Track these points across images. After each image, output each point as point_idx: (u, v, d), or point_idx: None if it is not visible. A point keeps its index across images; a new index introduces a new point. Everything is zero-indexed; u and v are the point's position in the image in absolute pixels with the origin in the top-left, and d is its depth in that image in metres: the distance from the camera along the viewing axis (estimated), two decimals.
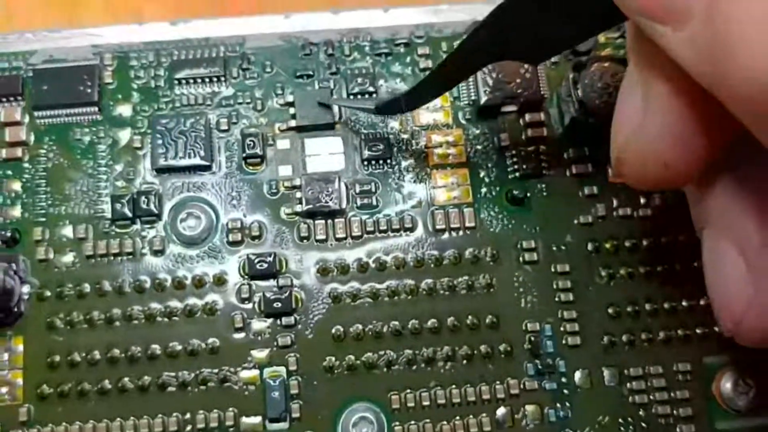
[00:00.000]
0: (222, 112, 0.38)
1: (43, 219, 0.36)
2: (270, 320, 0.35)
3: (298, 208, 0.36)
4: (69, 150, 0.37)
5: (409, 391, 0.35)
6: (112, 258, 0.36)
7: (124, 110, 0.38)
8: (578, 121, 0.36)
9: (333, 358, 0.35)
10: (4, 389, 0.34)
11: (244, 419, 0.34)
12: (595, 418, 0.35)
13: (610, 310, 0.36)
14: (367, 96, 0.38)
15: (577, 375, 0.35)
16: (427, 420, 0.34)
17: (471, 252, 0.36)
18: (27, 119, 0.38)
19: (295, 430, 0.34)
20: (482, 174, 0.37)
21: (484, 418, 0.34)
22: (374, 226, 0.36)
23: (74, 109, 0.38)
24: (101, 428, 0.34)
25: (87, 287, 0.35)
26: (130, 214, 0.36)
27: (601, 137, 0.33)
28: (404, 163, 0.37)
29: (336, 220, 0.36)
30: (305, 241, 0.36)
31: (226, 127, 0.38)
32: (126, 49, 0.39)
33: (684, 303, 0.36)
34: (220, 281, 0.36)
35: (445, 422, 0.34)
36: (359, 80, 0.38)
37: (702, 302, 0.36)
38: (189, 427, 0.34)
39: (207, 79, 0.38)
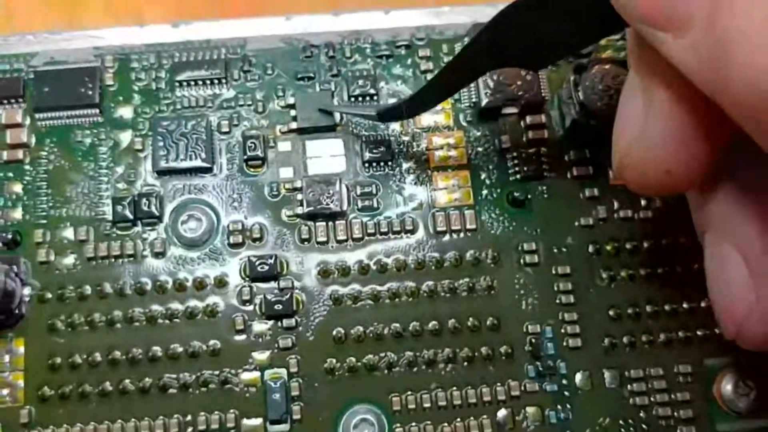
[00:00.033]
0: (223, 114, 0.38)
1: (44, 221, 0.36)
2: (271, 322, 0.35)
3: (299, 210, 0.36)
4: (70, 152, 0.37)
5: (409, 392, 0.35)
6: (113, 260, 0.36)
7: (125, 112, 0.38)
8: (579, 123, 0.36)
9: (334, 360, 0.35)
10: (5, 391, 0.34)
11: (245, 421, 0.34)
12: (596, 419, 0.35)
13: (610, 312, 0.36)
14: (367, 98, 0.38)
15: (578, 377, 0.35)
16: (428, 422, 0.34)
17: (472, 254, 0.36)
18: (28, 121, 0.38)
19: (296, 431, 0.34)
20: (483, 176, 0.37)
21: (484, 420, 0.34)
22: (375, 228, 0.36)
23: (75, 111, 0.38)
24: (102, 430, 0.34)
25: (88, 289, 0.35)
26: (131, 216, 0.36)
27: (602, 139, 0.33)
28: (405, 165, 0.37)
29: (337, 222, 0.36)
30: (306, 243, 0.36)
31: (227, 129, 0.38)
32: (127, 51, 0.39)
33: (685, 305, 0.36)
34: (221, 283, 0.36)
35: (446, 424, 0.34)
36: (360, 82, 0.38)
37: (703, 304, 0.36)
38: (190, 429, 0.34)
39: (208, 81, 0.38)
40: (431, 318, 0.35)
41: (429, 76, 0.38)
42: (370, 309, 0.36)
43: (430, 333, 0.35)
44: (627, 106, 0.27)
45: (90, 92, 0.38)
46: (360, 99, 0.38)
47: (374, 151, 0.37)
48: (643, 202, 0.37)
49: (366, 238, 0.36)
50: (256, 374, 0.35)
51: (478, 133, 0.38)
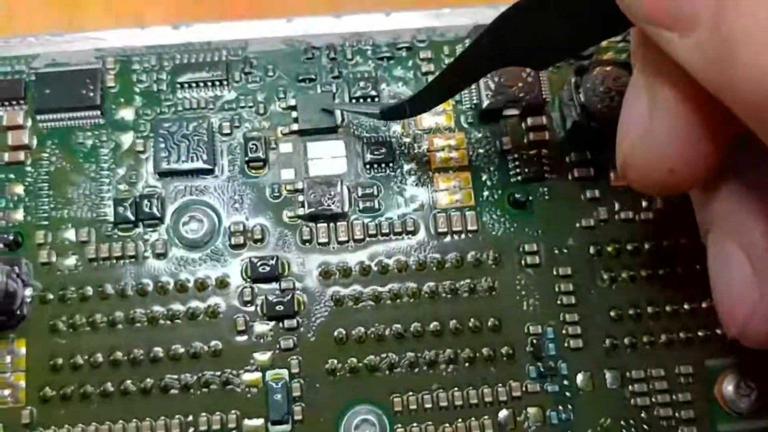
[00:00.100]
0: (224, 115, 0.38)
1: (46, 222, 0.36)
2: (272, 323, 0.35)
3: (301, 212, 0.36)
4: (71, 153, 0.37)
5: (411, 393, 0.35)
6: (114, 261, 0.36)
7: (127, 114, 0.38)
8: (580, 125, 0.36)
9: (335, 361, 0.35)
10: (7, 392, 0.34)
11: (247, 422, 0.34)
12: (597, 420, 0.35)
13: (612, 313, 0.36)
14: (369, 100, 0.38)
15: (579, 377, 0.35)
16: (429, 422, 0.34)
17: (473, 255, 0.36)
18: (29, 123, 0.38)
19: None
20: (484, 177, 0.37)
21: (486, 421, 0.34)
22: (376, 230, 0.37)
23: (77, 113, 0.38)
24: (104, 430, 0.34)
25: (89, 290, 0.35)
26: (132, 218, 0.36)
27: (603, 141, 0.33)
28: (406, 167, 0.37)
29: (338, 224, 0.37)
30: (307, 244, 0.36)
31: (229, 131, 0.38)
32: (128, 52, 0.39)
33: (686, 306, 0.36)
34: (222, 284, 0.36)
35: (447, 425, 0.34)
36: (361, 84, 0.38)
37: (704, 305, 0.36)
38: (191, 430, 0.34)
39: (209, 83, 0.38)
40: (432, 319, 0.35)
41: (430, 78, 0.38)
42: (371, 310, 0.36)
43: (432, 334, 0.35)
44: (631, 105, 0.27)
45: (91, 94, 0.38)
46: (361, 101, 0.38)
47: (375, 152, 0.37)
48: (644, 204, 0.37)
49: (367, 239, 0.36)
50: (258, 375, 0.35)
51: (479, 135, 0.38)
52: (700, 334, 0.36)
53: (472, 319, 0.35)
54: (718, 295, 0.29)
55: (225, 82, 0.38)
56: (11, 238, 0.36)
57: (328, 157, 0.37)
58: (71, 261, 0.36)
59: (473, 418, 0.35)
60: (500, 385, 0.35)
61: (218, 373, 0.35)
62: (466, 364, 0.35)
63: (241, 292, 0.36)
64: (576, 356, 0.35)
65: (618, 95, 0.35)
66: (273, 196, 0.37)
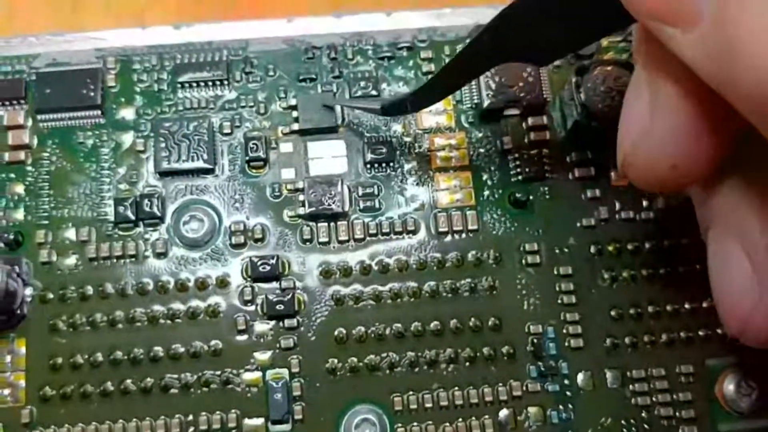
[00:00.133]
0: (225, 115, 0.38)
1: (46, 222, 0.36)
2: (273, 322, 0.35)
3: (301, 211, 0.36)
4: (72, 153, 0.37)
5: (411, 393, 0.35)
6: (114, 260, 0.36)
7: (127, 113, 0.38)
8: (581, 125, 0.36)
9: (335, 360, 0.35)
10: (7, 391, 0.34)
11: (247, 421, 0.34)
12: (598, 420, 0.35)
13: (612, 313, 0.36)
14: (369, 99, 0.38)
15: (580, 377, 0.35)
16: (430, 422, 0.34)
17: (474, 255, 0.36)
18: (30, 122, 0.38)
19: (297, 431, 0.34)
20: (485, 177, 0.37)
21: (486, 420, 0.34)
22: (377, 229, 0.37)
23: (77, 113, 0.38)
24: (104, 430, 0.34)
25: (90, 290, 0.35)
26: (132, 217, 0.36)
27: (603, 141, 0.33)
28: (407, 166, 0.37)
29: (339, 223, 0.37)
30: (308, 243, 0.36)
31: (229, 131, 0.38)
32: (129, 52, 0.39)
33: (686, 305, 0.36)
34: (222, 283, 0.36)
35: (447, 424, 0.34)
36: (362, 84, 0.38)
37: (705, 304, 0.36)
38: (191, 429, 0.34)
39: (210, 83, 0.38)
40: (433, 318, 0.35)
41: (432, 76, 0.38)
42: (371, 309, 0.36)
43: (432, 333, 0.35)
44: (632, 104, 0.27)
45: (92, 94, 0.38)
46: (362, 100, 0.38)
47: (376, 152, 0.37)
48: (644, 203, 0.37)
49: (368, 238, 0.36)
50: (258, 374, 0.35)
51: (480, 135, 0.38)
52: (700, 333, 0.36)
53: (472, 319, 0.35)
54: (718, 294, 0.29)
55: (226, 82, 0.38)
56: (11, 237, 0.36)
57: (329, 157, 0.37)
58: (71, 260, 0.36)
59: (474, 418, 0.34)
60: (501, 384, 0.35)
61: (218, 372, 0.35)
62: (467, 364, 0.35)
63: (242, 291, 0.36)
64: (576, 356, 0.35)
65: (619, 95, 0.35)
66: (273, 196, 0.37)
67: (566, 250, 0.36)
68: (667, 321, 0.36)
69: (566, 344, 0.35)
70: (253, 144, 0.37)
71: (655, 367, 0.35)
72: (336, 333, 0.35)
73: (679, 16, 0.22)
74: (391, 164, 0.37)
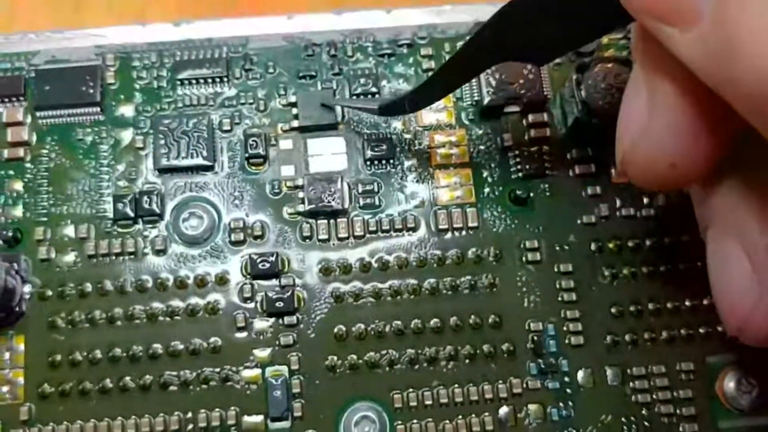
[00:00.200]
0: (225, 112, 0.38)
1: (45, 219, 0.36)
2: (272, 319, 0.35)
3: (301, 208, 0.36)
4: (71, 150, 0.37)
5: (411, 390, 0.35)
6: (113, 257, 0.36)
7: (127, 111, 0.38)
8: (581, 122, 0.36)
9: (335, 358, 0.35)
10: (6, 388, 0.34)
11: (246, 418, 0.34)
12: (598, 417, 0.35)
13: (613, 310, 0.36)
14: (369, 97, 0.38)
15: (580, 374, 0.35)
16: (430, 419, 0.34)
17: (474, 252, 0.36)
18: (29, 119, 0.38)
19: (297, 429, 0.34)
20: (485, 174, 0.37)
21: (486, 418, 0.34)
22: (377, 226, 0.36)
23: (76, 110, 0.38)
24: (102, 427, 0.34)
25: (89, 287, 0.35)
26: (132, 214, 0.36)
27: (604, 138, 0.33)
28: (407, 163, 0.37)
29: (338, 220, 0.36)
30: (308, 240, 0.36)
31: (229, 128, 0.38)
32: (129, 49, 0.39)
33: (687, 303, 0.36)
34: (222, 281, 0.36)
35: (447, 421, 0.34)
36: (362, 81, 0.38)
37: (705, 302, 0.36)
38: (191, 426, 0.34)
39: (210, 80, 0.38)
40: (433, 315, 0.35)
41: (430, 75, 0.38)
42: (371, 306, 0.36)
43: (432, 330, 0.35)
44: (631, 102, 0.27)
45: (91, 90, 0.38)
46: (362, 97, 0.38)
47: (376, 149, 0.37)
48: (645, 200, 0.37)
49: (367, 235, 0.36)
50: (257, 371, 0.35)
51: (480, 132, 0.38)
52: (701, 330, 0.36)
53: (472, 316, 0.35)
54: (717, 293, 0.29)
55: (225, 79, 0.38)
56: (10, 234, 0.36)
57: (329, 154, 0.37)
58: (70, 257, 0.36)
59: (474, 415, 0.34)
60: (501, 381, 0.35)
61: (218, 369, 0.35)
62: (467, 361, 0.35)
63: (241, 288, 0.36)
64: (577, 353, 0.35)
65: (619, 92, 0.35)
66: (273, 193, 0.37)
67: (567, 247, 0.36)
68: (667, 318, 0.36)
69: (566, 341, 0.35)
70: (253, 141, 0.37)
71: (655, 364, 0.35)
72: (336, 330, 0.35)
73: (677, 15, 0.22)
74: (391, 161, 0.37)
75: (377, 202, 0.37)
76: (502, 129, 0.38)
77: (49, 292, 0.35)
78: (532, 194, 0.37)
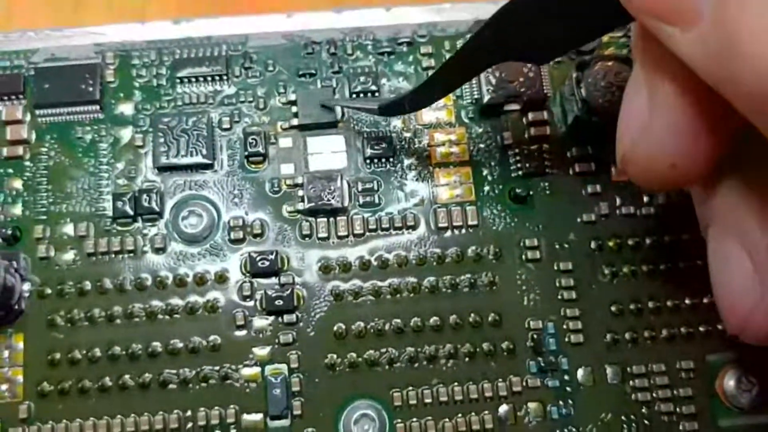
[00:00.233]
0: (224, 110, 0.38)
1: (44, 217, 0.36)
2: (271, 318, 0.35)
3: (300, 206, 0.36)
4: (70, 148, 0.37)
5: (411, 388, 0.35)
6: (113, 256, 0.36)
7: (126, 109, 0.38)
8: (581, 120, 0.36)
9: (335, 356, 0.35)
10: (5, 386, 0.34)
11: (246, 416, 0.34)
12: (598, 415, 0.35)
13: (612, 308, 0.36)
14: (369, 95, 0.38)
15: (580, 372, 0.35)
16: (429, 417, 0.34)
17: (473, 250, 0.36)
18: (28, 117, 0.38)
19: (296, 427, 0.34)
20: (485, 172, 0.37)
21: (486, 416, 0.34)
22: (376, 224, 0.36)
23: (76, 108, 0.38)
24: (102, 425, 0.34)
25: (88, 285, 0.35)
26: (131, 212, 0.36)
27: (604, 136, 0.33)
28: (407, 162, 0.37)
29: (338, 218, 0.36)
30: (307, 239, 0.36)
31: (228, 126, 0.38)
32: (128, 47, 0.39)
33: (687, 301, 0.36)
34: (221, 279, 0.36)
35: (447, 419, 0.34)
36: (362, 79, 0.38)
37: (705, 300, 0.36)
38: (190, 425, 0.34)
39: (209, 78, 0.38)
40: (432, 314, 0.35)
41: (431, 73, 0.38)
42: (371, 305, 0.36)
43: (432, 329, 0.35)
44: (631, 101, 0.27)
45: (91, 89, 0.38)
46: (361, 96, 0.38)
47: (376, 147, 0.37)
48: (645, 199, 0.37)
49: (367, 234, 0.36)
50: (257, 370, 0.35)
51: (480, 130, 0.38)
52: (701, 329, 0.36)
53: (472, 314, 0.35)
54: (718, 292, 0.29)
55: (225, 77, 0.38)
56: (9, 232, 0.36)
57: (328, 152, 0.37)
58: (69, 255, 0.36)
59: (473, 413, 0.34)
60: (500, 380, 0.35)
61: (217, 367, 0.35)
62: (466, 359, 0.35)
63: (241, 286, 0.36)
64: (577, 351, 0.35)
65: (619, 90, 0.35)
66: (272, 191, 0.37)
67: (566, 245, 0.36)
68: (667, 316, 0.36)
69: (566, 340, 0.35)
70: (253, 139, 0.37)
71: (655, 362, 0.35)
72: (335, 328, 0.35)
73: (678, 15, 0.22)
74: (391, 160, 0.37)
75: (377, 201, 0.37)
76: (502, 127, 0.38)
77: (49, 291, 0.35)
78: (531, 192, 0.37)
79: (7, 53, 0.39)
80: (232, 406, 0.34)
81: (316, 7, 0.40)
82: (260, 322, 0.35)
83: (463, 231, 0.37)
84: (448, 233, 0.37)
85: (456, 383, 0.35)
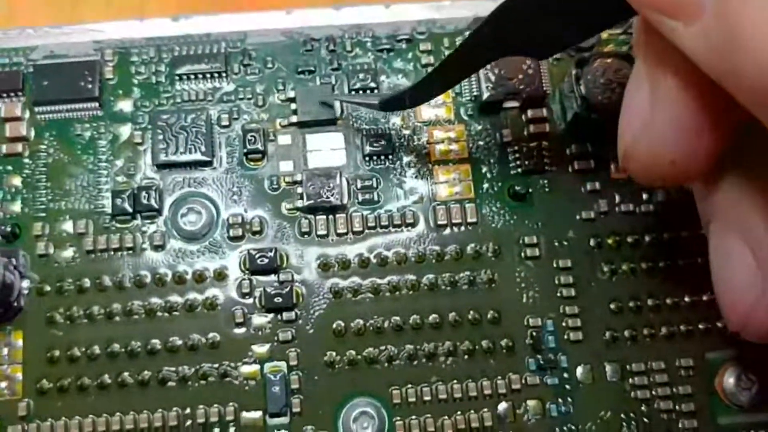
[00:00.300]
0: (223, 107, 0.38)
1: (43, 214, 0.36)
2: (271, 315, 0.35)
3: (299, 204, 0.36)
4: (69, 145, 0.37)
5: (410, 386, 0.35)
6: (112, 253, 0.36)
7: (125, 106, 0.38)
8: (581, 117, 0.36)
9: (334, 353, 0.35)
10: (4, 384, 0.34)
11: (245, 414, 0.34)
12: (597, 413, 0.35)
13: (612, 306, 0.36)
14: (368, 92, 0.38)
15: (579, 370, 0.35)
16: (428, 415, 0.34)
17: (472, 247, 0.36)
18: (27, 115, 0.38)
19: (295, 424, 0.34)
20: (484, 170, 0.37)
21: (485, 413, 0.34)
22: (375, 222, 0.36)
23: (75, 105, 0.38)
24: (101, 423, 0.34)
25: (87, 282, 0.35)
26: (130, 210, 0.36)
27: (603, 133, 0.33)
28: (406, 159, 0.37)
29: (337, 216, 0.36)
30: (306, 236, 0.36)
31: (227, 123, 0.38)
32: (127, 44, 0.39)
33: (686, 298, 0.36)
34: (220, 276, 0.36)
35: (446, 417, 0.34)
36: (361, 76, 0.38)
37: (705, 298, 0.36)
38: (189, 422, 0.34)
39: (208, 75, 0.38)
40: (432, 311, 0.35)
41: (430, 70, 0.38)
42: (370, 302, 0.36)
43: (431, 326, 0.35)
44: (633, 97, 0.27)
45: (90, 86, 0.38)
46: (361, 93, 0.38)
47: (375, 144, 0.37)
48: (644, 196, 0.37)
49: (366, 231, 0.36)
50: (256, 367, 0.35)
51: (480, 127, 0.38)
52: (700, 326, 0.36)
53: (471, 312, 0.35)
54: (719, 288, 0.29)
55: (224, 74, 0.38)
56: (9, 229, 0.36)
57: (327, 149, 0.37)
58: (69, 253, 0.36)
59: (472, 411, 0.34)
60: (500, 377, 0.35)
61: (216, 365, 0.35)
62: (466, 357, 0.35)
63: (240, 284, 0.36)
64: (576, 349, 0.35)
65: (619, 87, 0.35)
66: (272, 188, 0.37)
67: (566, 243, 0.36)
68: (666, 314, 0.36)
69: (565, 337, 0.35)
70: (252, 136, 0.37)
71: (654, 360, 0.35)
72: (334, 326, 0.35)
73: (680, 8, 0.22)
74: (390, 157, 0.37)
75: (376, 198, 0.37)
76: (501, 124, 0.38)
77: (48, 288, 0.35)
78: (531, 190, 0.37)
79: (6, 50, 0.39)
80: (231, 403, 0.34)
81: (315, 4, 0.40)
82: (259, 319, 0.35)
83: (463, 228, 0.36)
84: (448, 231, 0.36)
85: (455, 381, 0.35)
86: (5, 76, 0.38)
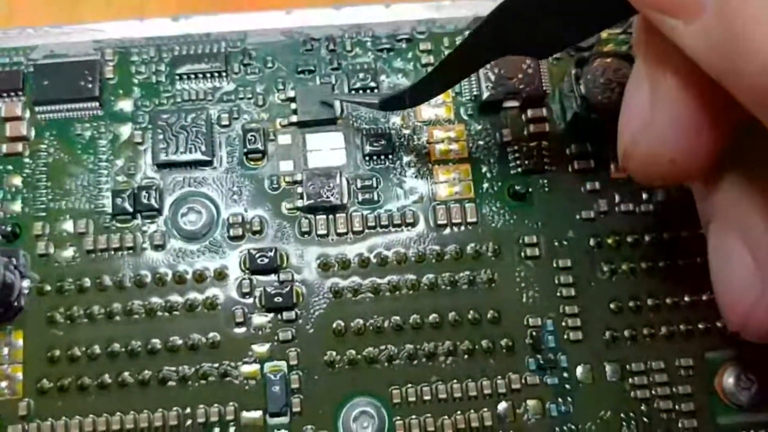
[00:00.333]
0: (223, 107, 0.38)
1: (44, 214, 0.36)
2: (271, 315, 0.35)
3: (299, 203, 0.36)
4: (70, 145, 0.37)
5: (410, 385, 0.35)
6: (112, 253, 0.36)
7: (125, 105, 0.38)
8: (581, 117, 0.36)
9: (334, 353, 0.35)
10: (4, 383, 0.34)
11: (245, 413, 0.34)
12: (597, 413, 0.35)
13: (611, 305, 0.36)
14: (368, 92, 0.38)
15: (579, 370, 0.35)
16: (428, 414, 0.34)
17: (472, 247, 0.36)
18: (28, 114, 0.38)
19: (295, 424, 0.34)
20: (484, 169, 0.37)
21: (485, 413, 0.34)
22: (375, 222, 0.36)
23: (75, 105, 0.38)
24: (101, 422, 0.34)
25: (87, 282, 0.35)
26: (130, 209, 0.36)
27: (603, 133, 0.33)
28: (406, 159, 0.37)
29: (337, 215, 0.36)
30: (306, 236, 0.36)
31: (227, 123, 0.38)
32: (127, 44, 0.39)
33: (686, 298, 0.36)
34: (220, 276, 0.36)
35: (446, 417, 0.34)
36: (361, 76, 0.38)
37: (704, 297, 0.36)
38: (189, 422, 0.34)
39: (208, 75, 0.38)
40: (432, 311, 0.35)
41: (430, 70, 0.38)
42: (370, 302, 0.36)
43: (431, 326, 0.35)
44: (633, 96, 0.27)
45: (90, 85, 0.38)
46: (361, 92, 0.38)
47: (375, 144, 0.37)
48: (644, 196, 0.37)
49: (366, 231, 0.36)
50: (256, 367, 0.35)
51: (479, 127, 0.38)
52: (700, 326, 0.36)
53: (471, 311, 0.35)
54: (719, 288, 0.29)
55: (224, 74, 0.38)
56: (9, 229, 0.36)
57: (328, 149, 0.37)
58: (69, 252, 0.36)
59: (472, 411, 0.34)
60: (499, 377, 0.35)
61: (216, 364, 0.35)
62: (466, 356, 0.35)
63: (240, 283, 0.36)
64: (576, 348, 0.35)
65: (618, 87, 0.35)
66: (272, 188, 0.37)
67: (565, 242, 0.36)
68: (666, 314, 0.36)
69: (565, 337, 0.35)
70: (252, 136, 0.37)
71: (654, 360, 0.35)
72: (334, 325, 0.35)
73: (681, 7, 0.22)
74: (390, 156, 0.37)
75: (376, 198, 0.37)
76: (501, 124, 0.38)
77: (48, 287, 0.35)
78: (531, 190, 0.37)
79: (6, 50, 0.39)
80: (231, 403, 0.34)
81: (315, 3, 0.40)
82: (259, 319, 0.35)
83: (462, 228, 0.36)
84: (447, 230, 0.36)
85: (455, 380, 0.35)
86: (5, 75, 0.38)
